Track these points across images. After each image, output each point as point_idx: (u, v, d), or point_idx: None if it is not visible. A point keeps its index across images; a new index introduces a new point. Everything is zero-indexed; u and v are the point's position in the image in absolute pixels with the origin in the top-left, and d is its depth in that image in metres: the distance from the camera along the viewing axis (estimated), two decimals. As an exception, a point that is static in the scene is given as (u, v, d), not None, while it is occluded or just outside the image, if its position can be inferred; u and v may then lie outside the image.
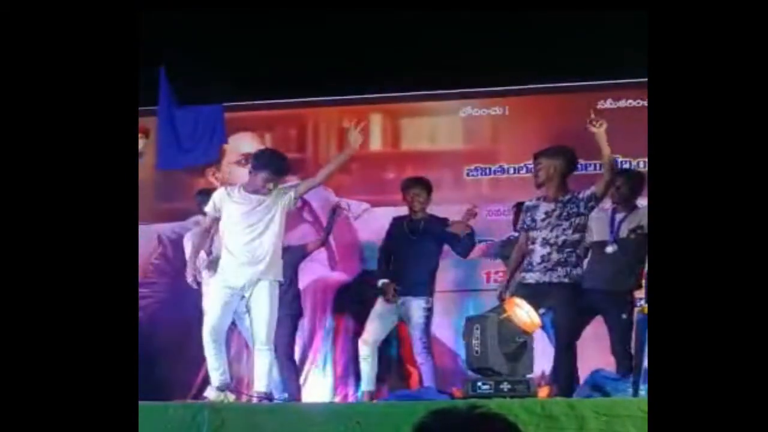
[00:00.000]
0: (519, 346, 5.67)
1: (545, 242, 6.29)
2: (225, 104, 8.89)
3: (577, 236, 6.33)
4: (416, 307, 7.24)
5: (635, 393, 5.71)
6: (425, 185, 7.52)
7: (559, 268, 6.24)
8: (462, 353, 7.71)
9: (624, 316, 6.63)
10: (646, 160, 8.20)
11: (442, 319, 8.30)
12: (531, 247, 6.38)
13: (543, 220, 6.35)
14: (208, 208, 6.60)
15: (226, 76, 8.52)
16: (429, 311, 7.31)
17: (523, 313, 5.70)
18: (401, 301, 7.26)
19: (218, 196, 6.58)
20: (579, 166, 8.38)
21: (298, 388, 7.96)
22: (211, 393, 6.47)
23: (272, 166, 6.50)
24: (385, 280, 7.29)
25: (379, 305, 7.33)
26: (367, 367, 7.31)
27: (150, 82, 7.92)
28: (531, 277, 6.30)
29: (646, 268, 6.63)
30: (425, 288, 7.33)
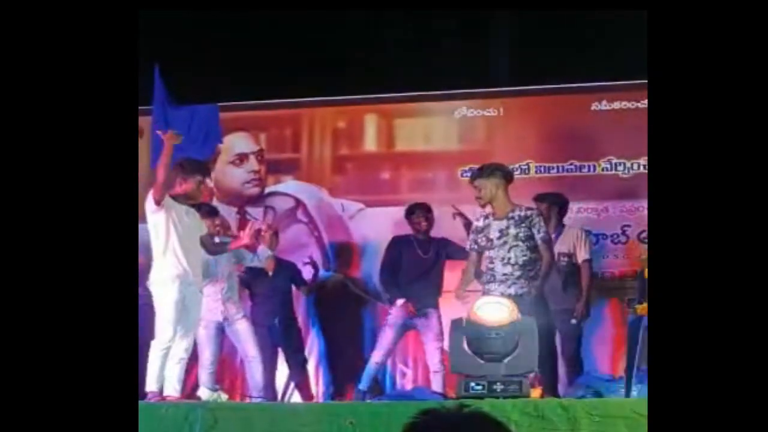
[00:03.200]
0: (499, 346, 5.57)
1: (506, 262, 6.37)
2: (220, 104, 8.89)
3: (534, 255, 6.40)
4: (436, 319, 7.58)
5: (627, 394, 5.72)
6: (429, 209, 7.82)
7: (521, 281, 6.31)
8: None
9: (573, 321, 7.12)
10: (642, 161, 8.25)
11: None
12: (491, 265, 6.45)
13: (499, 238, 6.40)
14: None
15: (221, 75, 8.52)
16: (442, 323, 7.58)
17: (491, 307, 5.68)
18: (418, 313, 7.58)
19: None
20: (573, 167, 8.48)
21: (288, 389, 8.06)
22: (204, 392, 6.48)
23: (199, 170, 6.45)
24: (402, 300, 7.61)
25: (393, 316, 7.63)
26: (374, 371, 7.62)
27: (145, 81, 7.90)
28: (496, 289, 6.36)
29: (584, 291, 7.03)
30: (437, 300, 7.68)
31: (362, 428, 5.11)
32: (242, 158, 9.16)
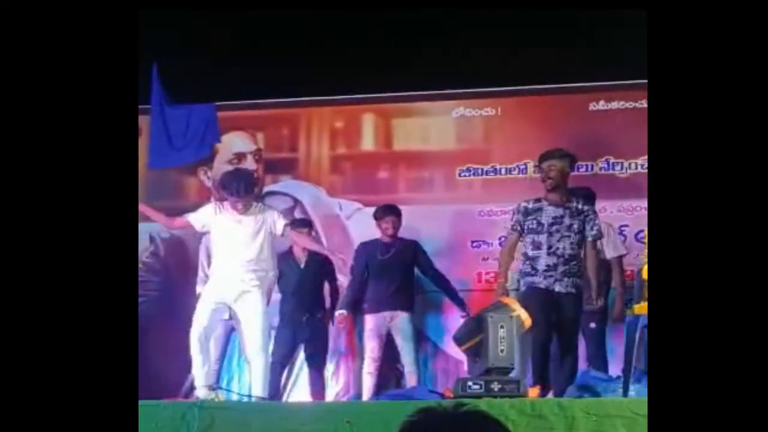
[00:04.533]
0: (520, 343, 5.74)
1: (552, 252, 6.30)
2: (217, 103, 8.88)
3: (580, 251, 6.37)
4: (405, 320, 7.59)
5: (625, 393, 5.72)
6: (397, 212, 7.81)
7: (566, 279, 6.29)
8: (453, 352, 7.76)
9: (593, 325, 6.92)
10: (640, 161, 8.26)
11: (431, 319, 8.33)
12: (536, 252, 6.37)
13: (552, 224, 6.33)
14: (196, 222, 6.78)
15: (219, 74, 8.51)
16: (414, 324, 7.67)
17: (523, 310, 5.78)
18: (390, 316, 7.59)
19: (207, 212, 6.78)
20: (572, 167, 8.48)
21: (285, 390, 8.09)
22: (201, 392, 6.48)
23: (235, 187, 6.63)
24: (343, 312, 7.69)
25: (369, 323, 7.64)
26: (371, 380, 7.61)
27: (142, 80, 7.90)
28: (541, 283, 6.32)
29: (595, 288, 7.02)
30: (411, 303, 7.69)
31: (360, 428, 5.11)
32: (240, 158, 9.16)
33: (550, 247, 6.30)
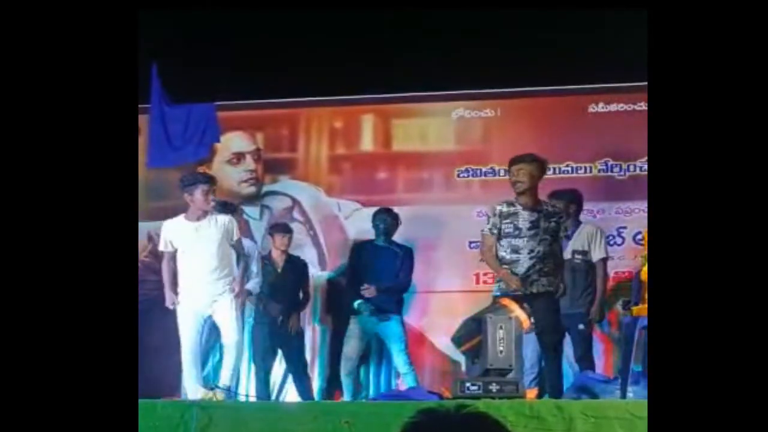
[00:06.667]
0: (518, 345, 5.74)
1: (532, 255, 6.29)
2: (217, 103, 8.88)
3: (555, 247, 6.39)
4: (395, 323, 7.63)
5: (623, 395, 5.73)
6: (393, 215, 7.85)
7: (542, 278, 6.27)
8: (451, 353, 7.76)
9: (581, 326, 6.93)
10: (638, 163, 8.27)
11: (430, 320, 8.33)
12: (515, 256, 6.36)
13: (530, 229, 6.33)
14: (162, 246, 6.77)
15: (219, 74, 8.52)
16: (404, 326, 7.73)
17: (522, 311, 5.79)
18: (378, 319, 7.62)
19: (166, 232, 6.75)
20: (570, 168, 8.49)
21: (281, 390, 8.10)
22: (199, 391, 6.49)
23: (200, 181, 6.73)
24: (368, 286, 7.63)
25: (353, 324, 7.66)
26: (350, 382, 7.65)
27: (141, 79, 7.89)
28: (516, 290, 6.33)
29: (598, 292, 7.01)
30: (399, 306, 7.74)
31: (359, 428, 5.11)
32: (239, 157, 9.17)
33: (531, 251, 6.29)
